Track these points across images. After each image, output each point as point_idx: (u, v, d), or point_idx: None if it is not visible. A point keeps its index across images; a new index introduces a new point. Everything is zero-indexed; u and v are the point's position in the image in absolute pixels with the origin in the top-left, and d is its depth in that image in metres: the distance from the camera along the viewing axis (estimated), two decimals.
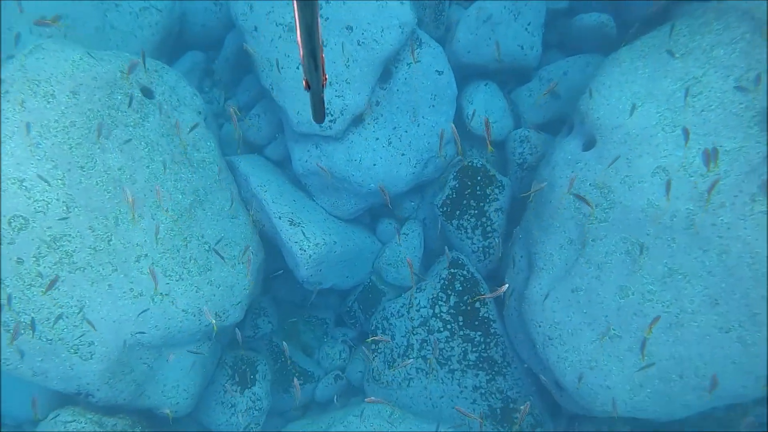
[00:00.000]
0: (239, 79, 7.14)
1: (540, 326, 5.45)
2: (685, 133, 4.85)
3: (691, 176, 5.03)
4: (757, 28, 4.98)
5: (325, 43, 5.90)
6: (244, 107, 7.07)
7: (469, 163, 6.22)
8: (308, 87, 1.38)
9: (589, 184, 5.32)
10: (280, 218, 5.81)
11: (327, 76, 1.36)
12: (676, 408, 5.05)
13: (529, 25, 6.07)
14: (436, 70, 6.06)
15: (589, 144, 5.51)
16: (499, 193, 6.21)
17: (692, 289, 4.98)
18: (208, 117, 6.51)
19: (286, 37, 5.88)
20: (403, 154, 6.20)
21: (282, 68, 5.97)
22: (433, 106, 6.13)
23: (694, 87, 5.08)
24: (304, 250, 5.74)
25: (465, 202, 6.26)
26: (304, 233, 5.76)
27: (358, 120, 6.20)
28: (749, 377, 4.89)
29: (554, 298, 5.39)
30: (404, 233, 6.72)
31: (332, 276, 6.29)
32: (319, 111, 1.61)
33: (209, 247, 5.50)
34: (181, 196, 5.42)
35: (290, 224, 5.80)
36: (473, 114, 6.26)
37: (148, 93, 5.54)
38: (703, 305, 4.95)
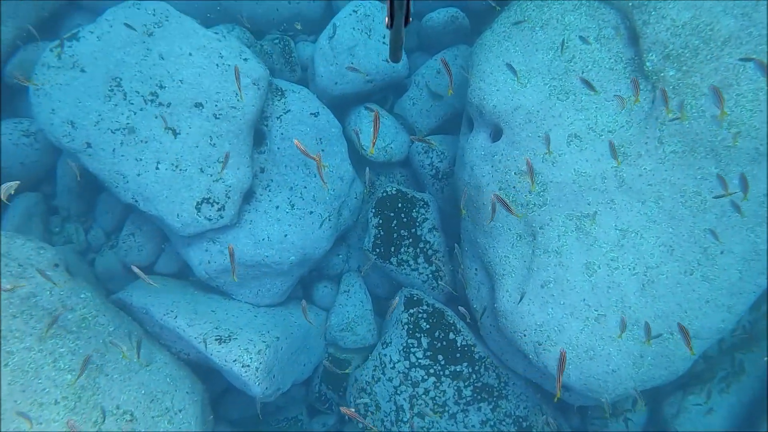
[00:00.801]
0: (92, 203, 6.07)
1: (525, 335, 5.09)
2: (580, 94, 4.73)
3: (601, 135, 4.94)
4: None
5: (177, 131, 5.09)
6: (113, 231, 6.02)
7: (384, 194, 5.73)
8: (390, 24, 1.26)
9: (514, 173, 5.06)
10: (204, 341, 4.91)
11: (411, 18, 1.26)
12: (677, 365, 4.92)
13: (384, 38, 5.71)
14: (311, 113, 5.50)
15: (496, 133, 5.26)
16: (426, 211, 5.79)
17: (647, 244, 4.89)
18: (72, 261, 5.41)
19: (129, 140, 4.99)
20: (311, 212, 5.56)
21: (139, 175, 5.06)
22: (323, 150, 5.56)
23: (564, 53, 5.02)
24: (248, 366, 4.90)
25: (395, 234, 5.76)
26: (239, 346, 4.91)
27: (248, 196, 5.46)
28: (723, 311, 4.88)
29: (527, 300, 5.05)
30: (344, 291, 6.08)
31: (289, 374, 5.50)
32: (398, 51, 1.53)
33: (131, 414, 4.47)
34: (69, 376, 4.34)
35: (220, 342, 4.92)
36: (360, 139, 5.78)
37: None
38: (662, 256, 4.87)
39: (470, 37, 6.14)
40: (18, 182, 4.08)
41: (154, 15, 5.15)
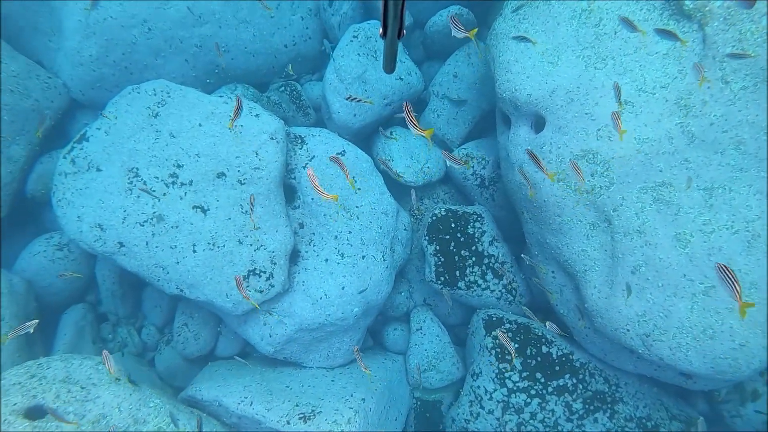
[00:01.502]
0: (138, 301, 5.85)
1: (628, 329, 4.58)
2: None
3: (654, 93, 4.50)
4: None
5: (206, 207, 4.83)
6: (165, 324, 5.77)
7: (433, 217, 5.35)
8: (384, 34, 1.25)
9: (569, 160, 4.62)
10: (288, 422, 4.54)
11: (405, 32, 1.29)
12: None
13: None
14: (337, 153, 5.19)
15: (538, 123, 4.86)
16: (482, 224, 5.39)
17: (740, 196, 4.39)
18: (132, 367, 5.16)
19: (160, 230, 4.75)
20: (363, 256, 5.20)
21: (178, 262, 4.81)
22: (359, 188, 5.22)
23: (590, 18, 4.62)
24: None
25: (456, 257, 5.36)
26: (326, 420, 4.53)
27: (294, 256, 5.15)
28: None
29: (620, 292, 4.55)
30: (416, 329, 5.67)
31: None
32: (392, 62, 1.55)
33: None
34: None
35: (305, 421, 4.56)
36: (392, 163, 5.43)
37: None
38: (761, 204, 4.34)
39: (480, 32, 5.79)
40: (36, 321, 4.00)
41: (155, 95, 4.97)
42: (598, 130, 4.53)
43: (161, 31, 5.27)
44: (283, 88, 5.64)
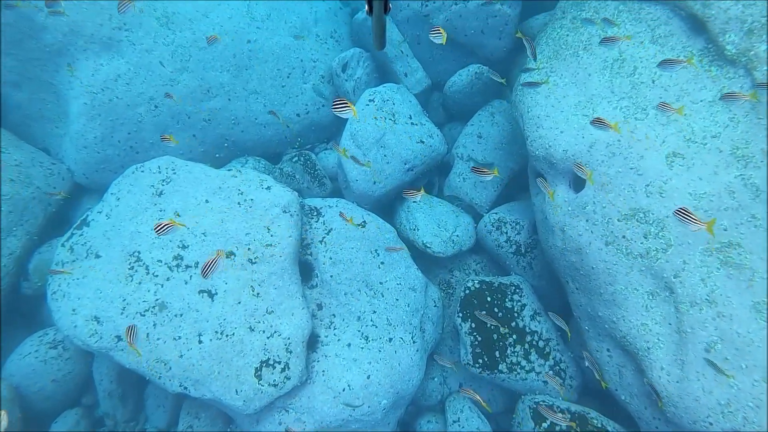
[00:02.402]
0: (139, 402, 5.29)
1: (710, 423, 3.87)
2: (663, 108, 3.90)
3: (705, 144, 4.07)
4: None
5: (213, 292, 4.39)
6: (169, 426, 5.17)
7: (466, 291, 4.81)
8: (371, 11, 1.28)
9: (617, 220, 4.14)
10: None
11: (390, 6, 1.30)
12: None
13: (411, 118, 5.13)
14: (357, 225, 4.77)
15: (577, 181, 4.41)
16: (521, 296, 4.83)
17: None
18: None
19: (162, 319, 4.29)
20: (390, 339, 4.65)
21: (182, 356, 4.30)
22: (382, 263, 4.76)
23: (623, 68, 4.30)
24: None
25: (495, 335, 4.76)
26: None
27: (312, 342, 4.61)
28: None
29: (694, 374, 3.89)
30: (453, 421, 4.96)
31: None
32: (381, 37, 1.47)
33: None
34: None
35: None
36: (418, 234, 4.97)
37: None
38: None
39: (501, 90, 5.54)
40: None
41: (159, 172, 4.69)
42: (647, 185, 4.06)
43: (168, 107, 5.10)
44: (296, 158, 5.35)
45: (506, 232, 5.04)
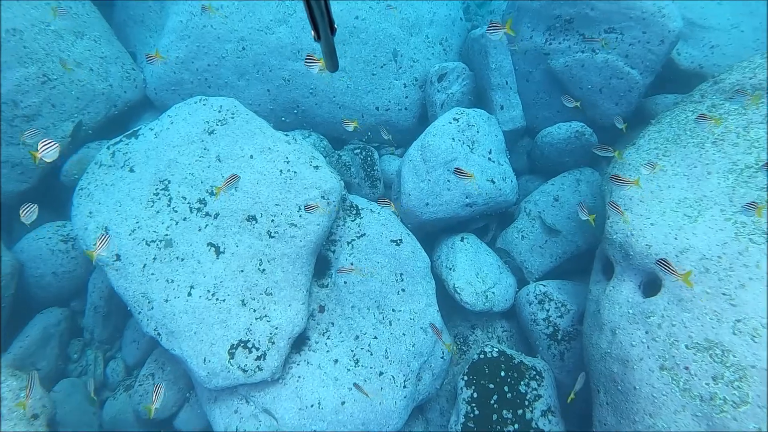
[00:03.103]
0: (119, 329, 4.98)
1: None
2: None
3: None
4: None
5: (221, 249, 4.01)
6: (137, 366, 4.82)
7: (481, 355, 4.16)
8: (318, 37, 1.26)
9: (685, 347, 3.39)
10: None
11: (336, 26, 1.27)
12: None
13: (490, 153, 4.59)
14: (392, 240, 4.28)
15: (650, 285, 3.70)
16: (538, 385, 4.12)
17: None
18: (71, 404, 4.17)
19: (164, 255, 3.94)
20: (381, 373, 4.07)
21: (167, 300, 3.92)
22: (403, 290, 4.22)
23: (755, 179, 3.59)
24: None
25: (495, 416, 4.07)
26: None
27: (300, 342, 4.12)
28: None
29: None
30: None
31: None
32: (331, 58, 1.43)
33: None
34: None
35: None
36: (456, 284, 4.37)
37: None
38: None
39: (596, 159, 4.91)
40: None
41: (219, 111, 4.41)
42: (738, 321, 3.30)
43: (255, 54, 4.84)
44: (358, 150, 4.94)
45: (548, 310, 4.35)
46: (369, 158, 4.88)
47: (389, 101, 5.07)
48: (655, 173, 3.88)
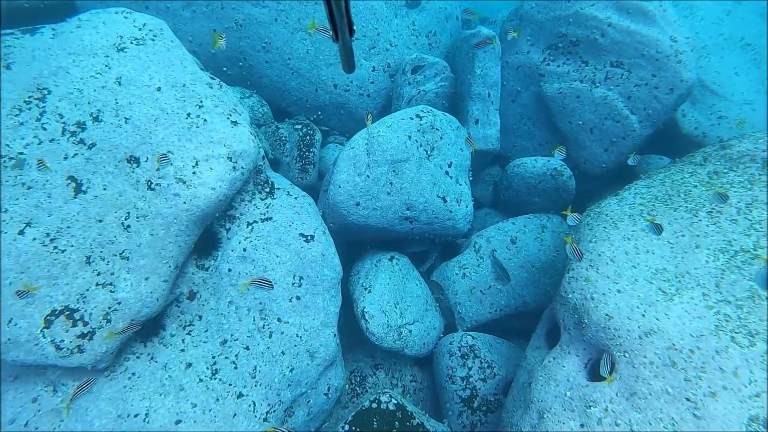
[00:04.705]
0: None
1: None
2: None
3: None
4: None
5: (83, 187, 3.05)
6: None
7: (375, 404, 3.21)
8: (336, 38, 1.23)
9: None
10: None
11: (354, 28, 1.23)
12: None
13: (450, 167, 3.77)
14: (301, 234, 3.36)
15: (599, 365, 2.84)
16: None
17: None
18: None
19: (9, 176, 2.96)
20: (240, 394, 3.11)
21: None
22: (298, 297, 3.29)
23: (749, 266, 2.84)
24: None
25: None
26: None
27: (149, 330, 3.12)
28: None
29: None
30: None
31: None
32: (348, 60, 1.38)
33: None
34: None
35: None
36: (366, 312, 3.44)
37: None
38: None
39: (565, 205, 4.16)
40: None
41: (140, 30, 3.51)
42: None
43: None
44: (300, 126, 4.06)
45: (470, 368, 3.43)
46: (308, 137, 4.00)
47: (351, 81, 4.25)
48: (636, 231, 3.09)
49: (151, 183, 3.13)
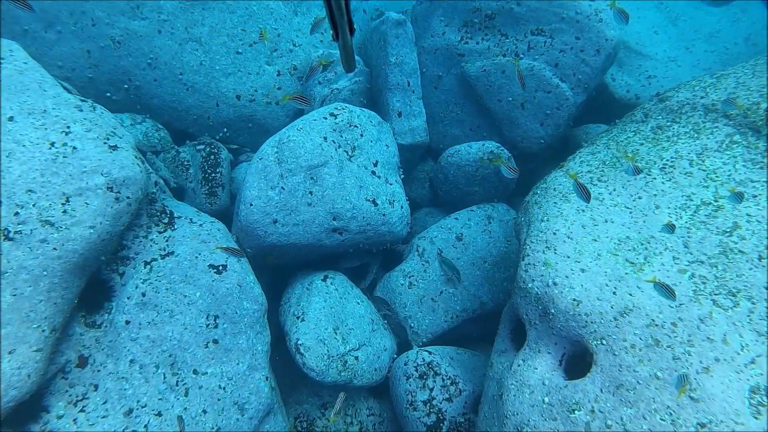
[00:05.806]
0: None
1: None
2: None
3: None
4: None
5: None
6: None
7: None
8: (336, 36, 1.17)
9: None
10: None
11: (355, 27, 1.18)
12: None
13: (376, 166, 3.33)
14: (211, 266, 2.81)
15: (576, 360, 2.42)
16: None
17: None
18: None
19: None
20: None
21: None
22: (216, 341, 2.72)
23: (715, 218, 2.52)
24: None
25: None
26: None
27: (29, 413, 2.46)
28: None
29: None
30: None
31: None
32: (349, 59, 1.29)
33: None
34: None
35: None
36: (299, 344, 2.91)
37: None
38: None
39: (514, 191, 3.81)
40: None
41: None
42: (702, 426, 2.04)
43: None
44: (202, 146, 3.53)
45: (431, 389, 2.93)
46: (213, 156, 3.48)
47: (255, 90, 3.77)
48: (590, 203, 2.73)
49: (9, 232, 2.52)
